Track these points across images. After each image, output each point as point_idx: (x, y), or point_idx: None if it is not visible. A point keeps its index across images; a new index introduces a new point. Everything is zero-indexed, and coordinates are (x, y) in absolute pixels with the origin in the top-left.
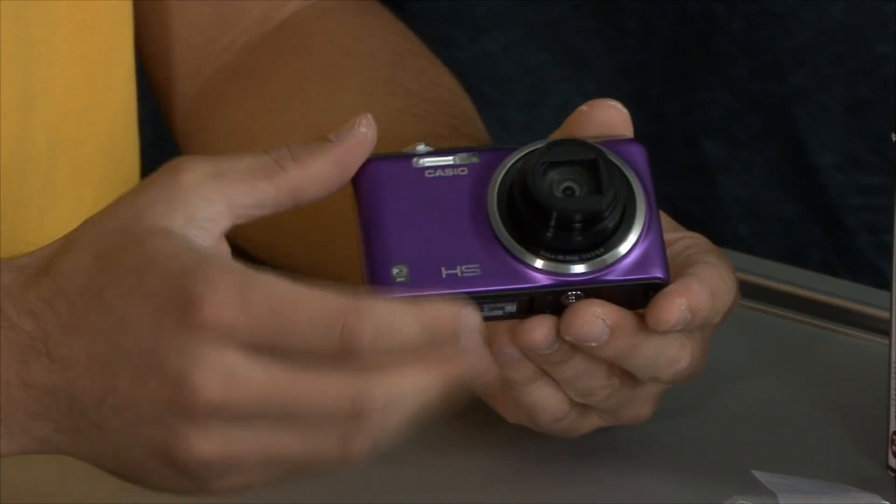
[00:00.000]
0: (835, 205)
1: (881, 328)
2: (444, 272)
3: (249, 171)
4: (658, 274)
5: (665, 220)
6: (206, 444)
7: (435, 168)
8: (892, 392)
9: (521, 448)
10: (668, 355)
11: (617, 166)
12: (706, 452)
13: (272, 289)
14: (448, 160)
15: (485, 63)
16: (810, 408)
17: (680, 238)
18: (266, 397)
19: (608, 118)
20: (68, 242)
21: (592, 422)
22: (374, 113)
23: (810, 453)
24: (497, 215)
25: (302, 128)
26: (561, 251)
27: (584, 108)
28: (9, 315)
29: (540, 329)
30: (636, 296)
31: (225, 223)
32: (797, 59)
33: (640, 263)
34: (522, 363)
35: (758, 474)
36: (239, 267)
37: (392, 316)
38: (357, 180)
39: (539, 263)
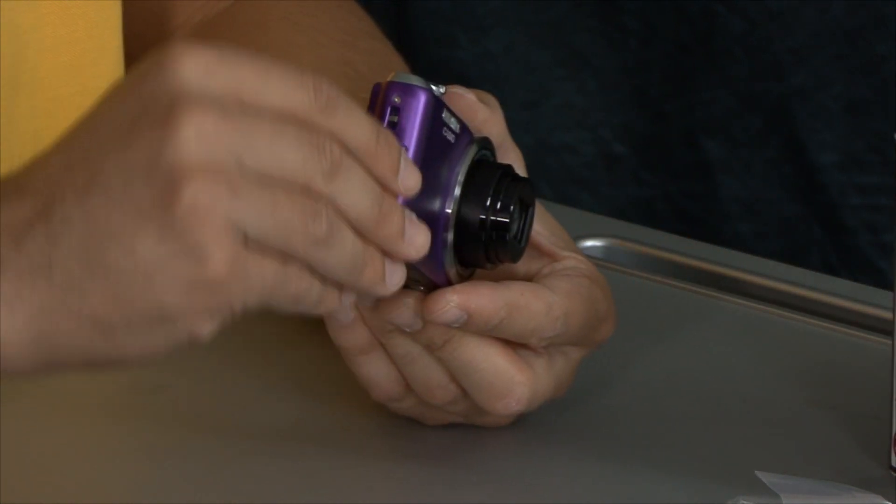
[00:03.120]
0: (835, 204)
1: (881, 327)
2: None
3: None
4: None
5: (560, 236)
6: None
7: (443, 126)
8: (895, 392)
9: (521, 448)
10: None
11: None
12: (708, 453)
13: (247, 53)
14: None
15: (485, 62)
16: (811, 408)
17: (567, 257)
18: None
19: (460, 108)
20: None
21: (442, 416)
22: None
23: (812, 453)
24: (455, 217)
25: None
26: (467, 265)
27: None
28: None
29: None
30: None
31: None
32: (797, 58)
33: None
34: (355, 330)
35: (760, 474)
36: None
37: (354, 108)
38: (405, 98)
39: (452, 273)
